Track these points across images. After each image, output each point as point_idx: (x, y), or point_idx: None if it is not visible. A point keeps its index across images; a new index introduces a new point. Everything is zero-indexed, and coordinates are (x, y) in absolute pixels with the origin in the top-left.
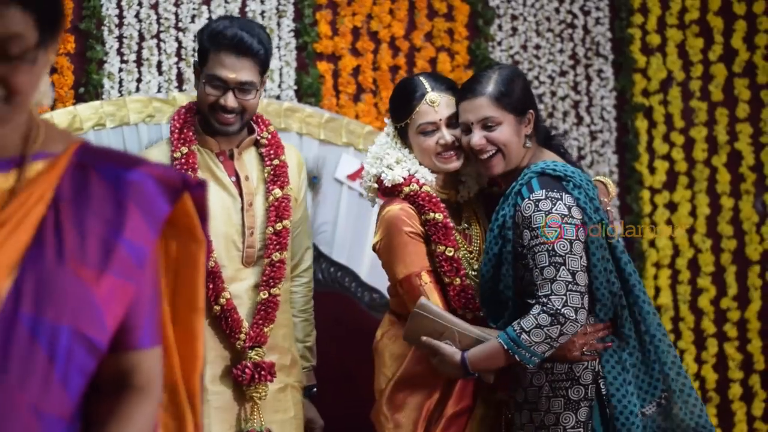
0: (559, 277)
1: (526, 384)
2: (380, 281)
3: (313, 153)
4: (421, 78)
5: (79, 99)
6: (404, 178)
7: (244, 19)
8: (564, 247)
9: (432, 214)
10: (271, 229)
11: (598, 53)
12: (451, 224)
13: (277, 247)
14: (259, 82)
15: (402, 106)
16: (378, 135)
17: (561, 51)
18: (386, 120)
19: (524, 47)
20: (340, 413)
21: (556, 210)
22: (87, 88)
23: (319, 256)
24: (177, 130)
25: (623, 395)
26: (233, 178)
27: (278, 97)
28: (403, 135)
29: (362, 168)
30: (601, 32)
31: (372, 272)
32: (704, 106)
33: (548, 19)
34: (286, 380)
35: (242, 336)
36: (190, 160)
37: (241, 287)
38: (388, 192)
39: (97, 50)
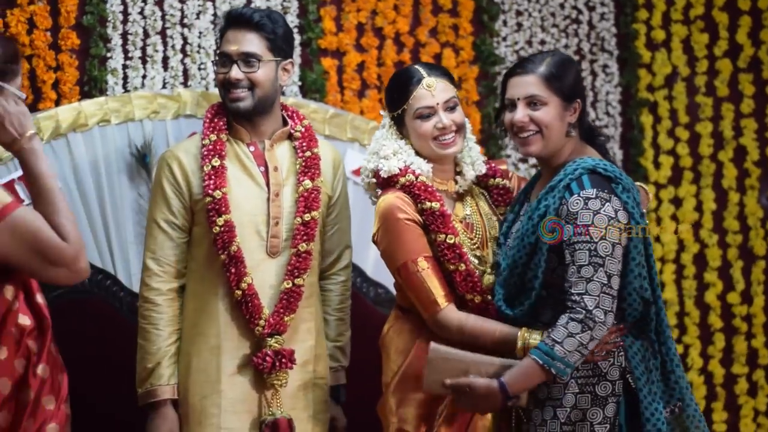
0: (596, 278)
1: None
2: (386, 277)
3: None
4: (417, 66)
5: (84, 95)
6: (400, 169)
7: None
8: (606, 249)
9: (428, 203)
10: (299, 219)
11: (603, 49)
12: (449, 212)
13: (305, 237)
14: (265, 55)
15: (398, 93)
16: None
17: (566, 46)
18: (381, 113)
19: (529, 43)
20: (347, 407)
21: (604, 211)
22: (91, 85)
23: None
24: (208, 120)
25: (649, 391)
26: (262, 168)
27: (283, 93)
28: (399, 124)
29: None
30: (606, 28)
31: (377, 268)
32: (709, 101)
33: (553, 14)
34: (306, 377)
35: (261, 322)
36: (218, 147)
37: (264, 277)
38: (384, 184)
39: (101, 47)
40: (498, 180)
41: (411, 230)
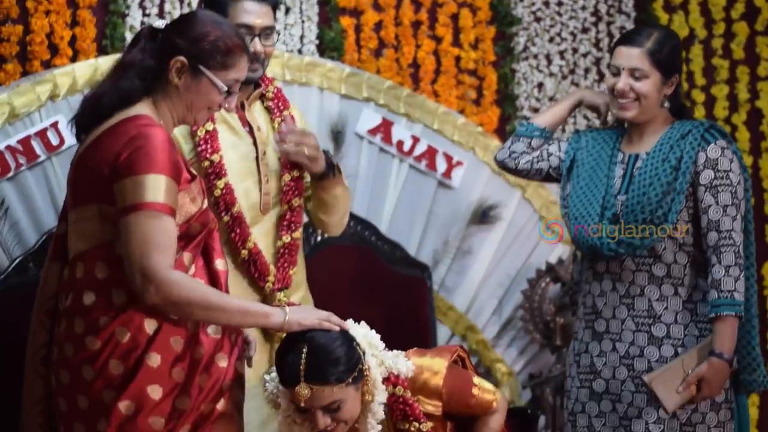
0: (737, 217)
1: (669, 320)
2: (400, 235)
3: (334, 108)
4: None
5: (101, 51)
6: None
7: None
8: (740, 193)
9: None
10: (288, 176)
11: (621, 10)
12: None
13: (296, 192)
14: (274, 26)
15: None
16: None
17: (583, 8)
18: None
19: (546, 3)
20: None
21: (736, 159)
22: (110, 41)
23: None
24: None
25: None
26: (247, 129)
27: (300, 51)
28: None
29: (383, 122)
30: None
31: (391, 226)
32: (726, 64)
33: None
34: None
35: (271, 278)
36: None
37: (259, 233)
38: None
39: (120, 3)
40: None
41: None
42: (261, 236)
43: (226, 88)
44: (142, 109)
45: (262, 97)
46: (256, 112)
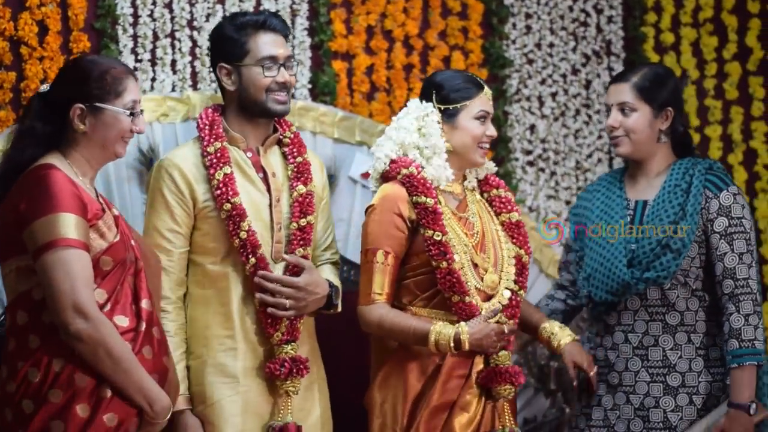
0: (753, 263)
1: (684, 369)
2: None
3: (327, 152)
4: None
5: None
6: (398, 158)
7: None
8: (753, 238)
9: (423, 198)
10: (295, 224)
11: (611, 52)
12: (441, 210)
13: (302, 242)
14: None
15: (461, 90)
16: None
17: (574, 49)
18: (420, 104)
19: (538, 45)
20: (356, 409)
21: (746, 205)
22: None
23: None
24: (207, 127)
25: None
26: (261, 175)
27: (293, 96)
28: (447, 118)
29: None
30: (613, 31)
31: None
32: (719, 104)
33: (562, 17)
34: (311, 378)
35: (282, 328)
36: (225, 155)
37: None
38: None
39: (112, 49)
40: (501, 191)
41: (392, 226)
42: None
43: (128, 112)
44: (47, 159)
45: (280, 143)
46: (273, 158)
